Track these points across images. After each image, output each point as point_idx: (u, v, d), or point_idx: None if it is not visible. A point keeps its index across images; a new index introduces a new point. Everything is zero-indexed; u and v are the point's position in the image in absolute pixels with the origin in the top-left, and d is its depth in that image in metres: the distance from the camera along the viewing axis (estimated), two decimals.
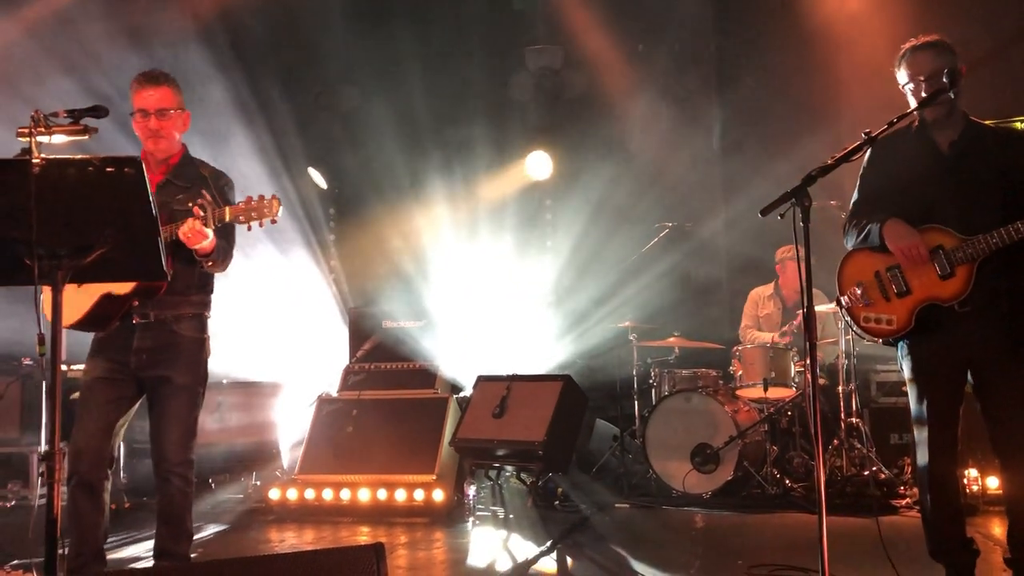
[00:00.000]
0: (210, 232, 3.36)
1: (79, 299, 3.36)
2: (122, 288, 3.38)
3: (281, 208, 3.44)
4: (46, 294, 3.34)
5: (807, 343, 2.89)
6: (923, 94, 3.28)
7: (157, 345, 3.55)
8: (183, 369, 3.59)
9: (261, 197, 3.43)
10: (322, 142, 9.16)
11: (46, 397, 2.51)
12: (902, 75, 3.41)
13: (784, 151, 7.20)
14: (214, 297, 3.81)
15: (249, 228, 3.49)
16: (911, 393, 3.44)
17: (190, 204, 3.38)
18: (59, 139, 2.74)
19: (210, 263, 3.52)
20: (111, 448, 3.54)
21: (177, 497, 3.56)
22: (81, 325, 3.48)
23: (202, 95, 7.70)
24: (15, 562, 4.18)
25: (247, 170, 7.80)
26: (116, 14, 7.35)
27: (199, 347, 3.67)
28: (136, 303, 3.47)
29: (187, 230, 3.31)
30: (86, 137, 2.80)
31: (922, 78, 3.31)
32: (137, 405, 3.64)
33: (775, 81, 7.87)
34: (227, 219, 3.41)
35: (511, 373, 6.24)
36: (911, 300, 3.36)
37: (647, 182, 8.14)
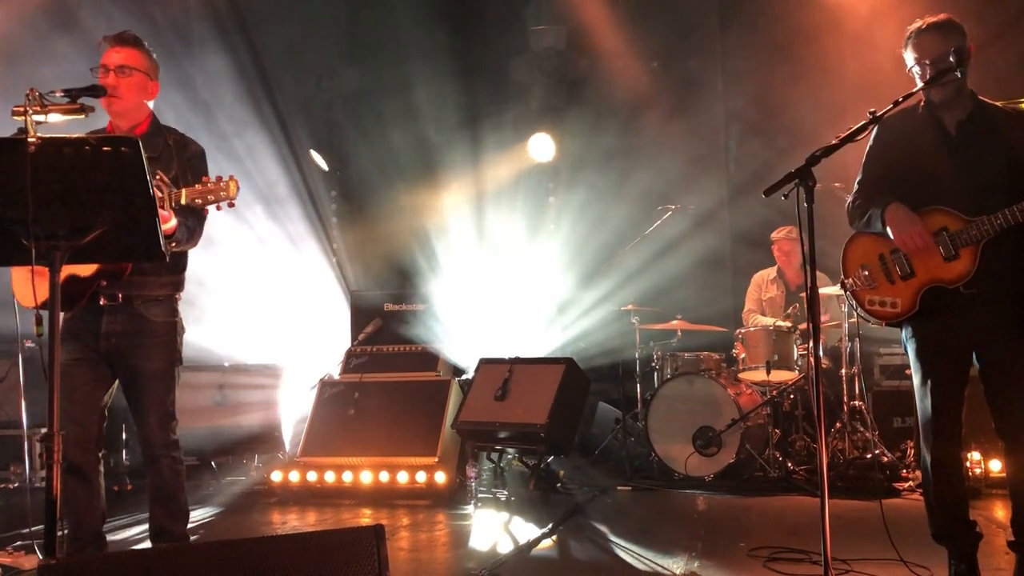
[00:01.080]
0: (168, 214, 3.23)
1: (45, 279, 3.31)
2: (86, 270, 3.29)
3: (239, 190, 3.28)
4: (16, 277, 3.31)
5: (811, 325, 2.87)
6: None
7: (127, 331, 3.46)
8: (156, 356, 3.51)
9: (219, 178, 3.29)
10: (324, 124, 9.13)
11: (45, 379, 2.50)
12: (908, 57, 3.36)
13: (790, 129, 7.17)
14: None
15: (205, 212, 3.38)
16: (915, 376, 3.41)
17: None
18: (55, 118, 2.72)
19: (174, 244, 3.38)
20: (99, 429, 3.50)
21: (168, 476, 3.53)
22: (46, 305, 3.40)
23: (205, 78, 7.68)
24: (17, 543, 4.20)
25: (249, 153, 7.79)
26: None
27: (171, 331, 3.57)
28: (104, 283, 3.38)
29: None
30: (83, 116, 2.77)
31: (927, 61, 3.25)
32: (116, 384, 3.58)
33: (779, 56, 7.80)
34: (183, 202, 3.27)
35: (513, 356, 6.23)
36: (915, 282, 3.33)
37: (651, 164, 8.09)
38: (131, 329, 3.47)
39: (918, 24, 3.33)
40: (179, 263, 3.63)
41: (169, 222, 3.23)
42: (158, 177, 3.23)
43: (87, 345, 3.47)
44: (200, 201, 3.27)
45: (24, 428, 3.15)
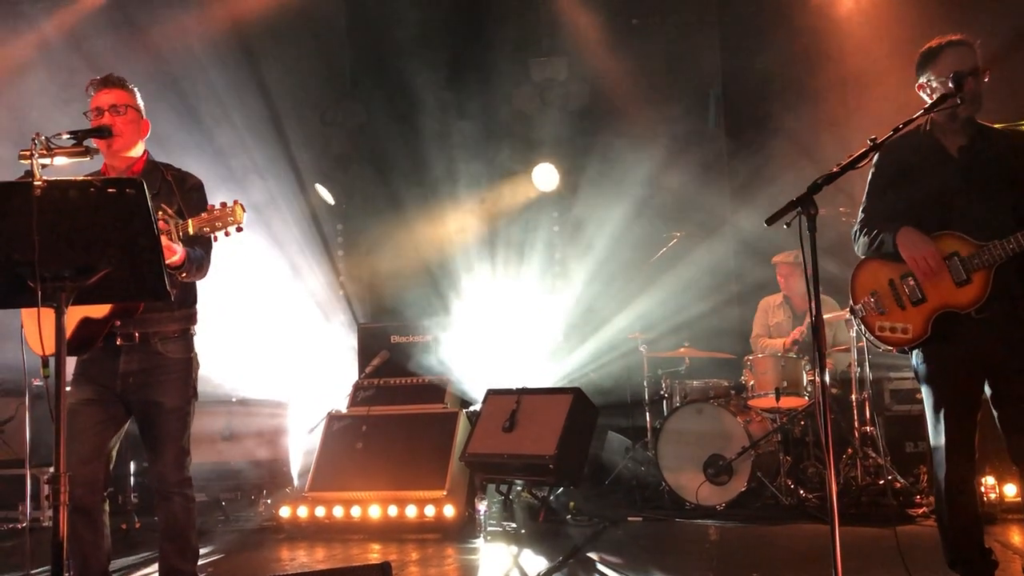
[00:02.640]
0: (177, 247, 3.26)
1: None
2: (99, 311, 3.29)
3: (245, 214, 3.28)
4: (27, 324, 3.32)
5: (816, 352, 2.85)
6: (955, 89, 3.20)
7: (144, 368, 3.47)
8: (172, 393, 3.52)
9: (223, 204, 3.29)
10: (329, 158, 9.19)
11: (53, 420, 2.50)
12: (928, 75, 3.36)
13: (792, 156, 7.19)
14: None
15: (215, 239, 3.37)
16: (927, 401, 3.39)
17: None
18: (61, 161, 2.74)
19: (183, 275, 3.40)
20: (105, 470, 3.49)
21: (180, 514, 3.52)
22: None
23: (210, 112, 7.74)
24: None
25: (256, 187, 7.84)
26: (125, 33, 7.42)
27: (187, 367, 3.58)
28: (118, 323, 3.38)
29: None
30: (88, 159, 2.80)
31: (955, 73, 3.22)
32: (127, 425, 3.57)
33: (780, 75, 7.85)
34: (191, 232, 3.29)
35: (521, 387, 6.21)
36: (927, 308, 3.32)
37: (655, 192, 8.11)
38: (148, 367, 3.48)
39: (940, 41, 3.34)
40: (189, 296, 3.65)
41: (176, 255, 3.25)
42: (162, 211, 3.24)
43: (103, 386, 3.47)
44: (208, 229, 3.28)
45: (27, 466, 3.13)
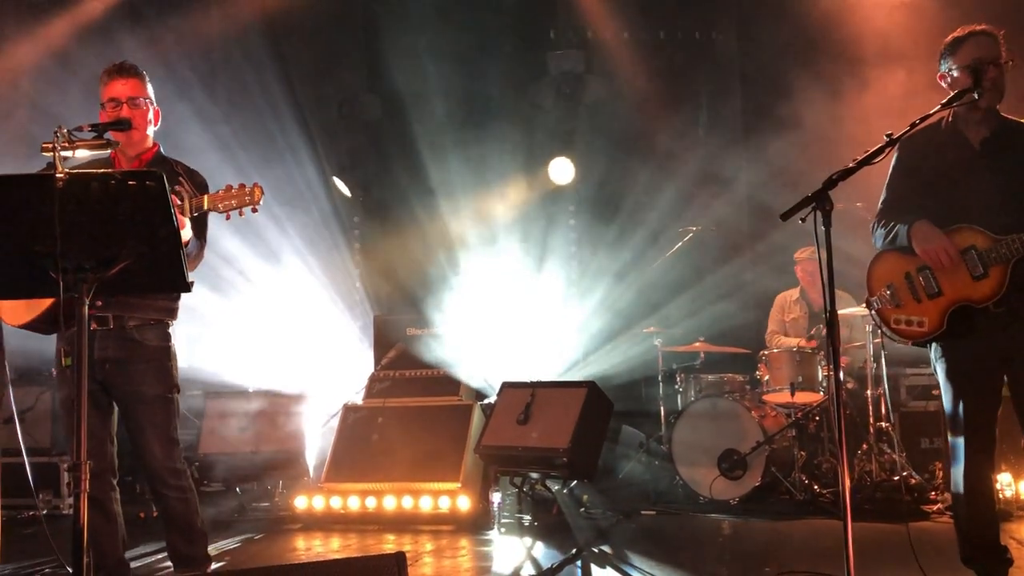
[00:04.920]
0: (187, 222, 3.27)
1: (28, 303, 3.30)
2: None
3: (263, 197, 3.29)
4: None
5: (830, 347, 2.85)
6: (979, 79, 3.18)
7: (121, 356, 3.44)
8: (152, 380, 3.48)
9: (242, 185, 3.29)
10: (346, 151, 9.22)
11: (73, 408, 2.54)
12: (950, 64, 3.34)
13: (807, 148, 7.15)
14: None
15: (228, 217, 3.35)
16: (945, 396, 3.37)
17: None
18: (83, 153, 2.78)
19: None
20: (111, 457, 3.49)
21: (177, 507, 3.51)
22: (35, 324, 3.37)
23: (229, 106, 7.80)
24: (45, 570, 4.23)
25: (274, 180, 7.89)
26: (149, 28, 7.49)
27: (164, 355, 3.54)
28: (99, 303, 3.33)
29: None
30: (108, 151, 2.83)
31: (976, 59, 3.22)
32: (116, 413, 3.56)
33: (796, 76, 7.80)
34: (205, 207, 3.29)
35: (535, 379, 6.22)
36: (943, 301, 3.30)
37: (671, 186, 8.09)
38: (124, 355, 3.45)
39: (963, 31, 3.32)
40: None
41: (184, 228, 3.23)
42: (179, 182, 3.27)
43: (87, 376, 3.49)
44: (223, 207, 3.28)
45: (24, 455, 3.13)
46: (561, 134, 8.74)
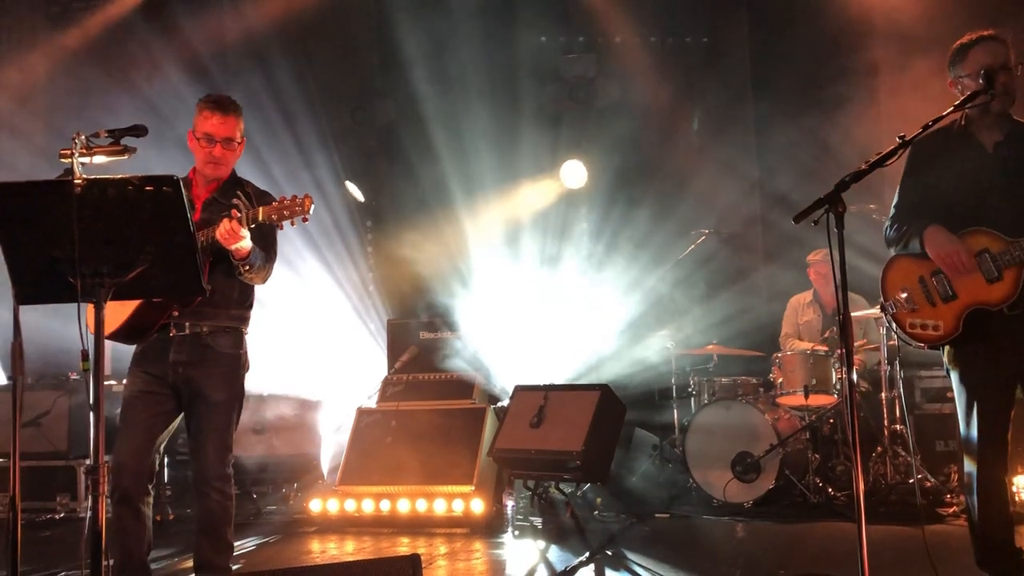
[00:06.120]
0: (246, 233, 3.36)
1: (118, 310, 3.40)
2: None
3: (313, 207, 3.42)
4: (89, 308, 3.42)
5: (844, 350, 2.85)
6: (991, 83, 3.18)
7: (193, 359, 3.56)
8: (219, 385, 3.59)
9: (294, 197, 3.41)
10: (359, 155, 9.25)
11: (91, 412, 2.56)
12: (960, 70, 3.33)
13: (821, 151, 7.14)
14: (255, 314, 3.80)
15: (280, 227, 3.48)
16: (959, 399, 3.37)
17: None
18: (100, 160, 2.81)
19: (247, 267, 3.49)
20: (152, 463, 3.56)
21: (217, 511, 3.58)
22: (118, 336, 3.51)
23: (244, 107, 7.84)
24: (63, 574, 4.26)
25: (287, 184, 7.93)
26: (162, 32, 7.55)
27: (235, 362, 3.67)
28: (176, 313, 3.49)
29: (223, 230, 3.31)
30: (125, 157, 2.86)
31: (983, 68, 3.20)
32: (179, 419, 3.65)
33: (809, 80, 7.79)
34: (260, 218, 3.39)
35: (548, 383, 6.23)
36: (958, 305, 3.30)
37: (683, 188, 8.09)
38: (197, 358, 3.56)
39: (971, 37, 3.31)
40: (247, 299, 3.74)
41: (243, 240, 3.35)
42: (238, 197, 3.38)
43: (155, 377, 3.56)
44: (276, 217, 3.39)
45: (14, 457, 3.17)
46: (574, 137, 8.75)
